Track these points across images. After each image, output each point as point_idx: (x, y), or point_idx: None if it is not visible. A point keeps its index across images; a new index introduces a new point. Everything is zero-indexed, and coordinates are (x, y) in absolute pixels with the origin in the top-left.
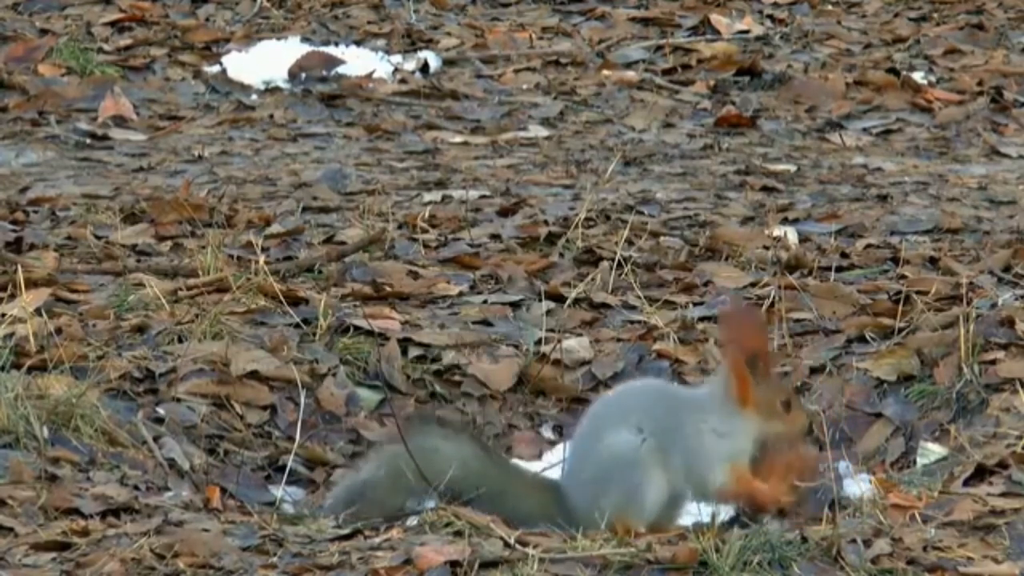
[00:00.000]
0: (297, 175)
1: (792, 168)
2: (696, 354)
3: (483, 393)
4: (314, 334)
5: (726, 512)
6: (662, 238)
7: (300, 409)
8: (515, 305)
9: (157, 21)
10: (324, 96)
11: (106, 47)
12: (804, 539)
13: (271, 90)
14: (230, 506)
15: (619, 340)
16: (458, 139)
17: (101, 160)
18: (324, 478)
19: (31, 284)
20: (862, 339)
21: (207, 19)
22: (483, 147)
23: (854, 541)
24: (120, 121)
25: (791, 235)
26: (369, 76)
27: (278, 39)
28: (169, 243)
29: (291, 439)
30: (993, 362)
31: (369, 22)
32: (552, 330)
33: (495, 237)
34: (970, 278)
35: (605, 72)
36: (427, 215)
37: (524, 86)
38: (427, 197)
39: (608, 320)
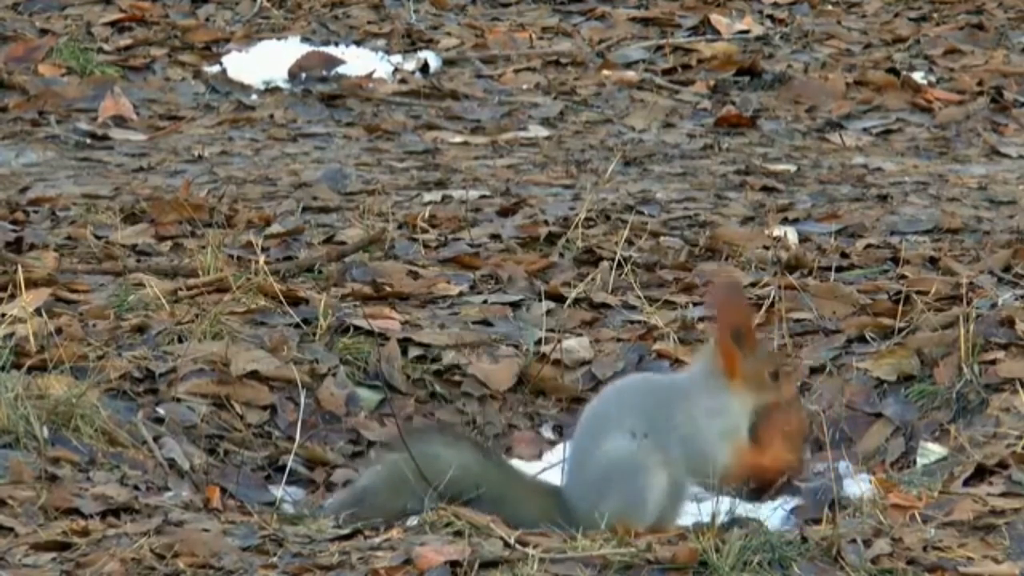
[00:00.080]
0: (297, 175)
1: (792, 168)
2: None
3: (483, 393)
4: (314, 334)
5: (726, 512)
6: (662, 238)
7: (300, 409)
8: (515, 305)
9: (157, 21)
10: (324, 96)
11: (106, 47)
12: (804, 539)
13: (271, 90)
14: (230, 506)
15: (619, 340)
16: (458, 139)
17: (101, 160)
18: (324, 478)
19: (31, 284)
20: (862, 339)
21: (207, 19)
22: (483, 147)
23: (854, 541)
24: (120, 121)
25: (791, 235)
26: (369, 76)
27: (278, 39)
28: (169, 243)
29: (291, 439)
30: (993, 362)
31: (369, 22)
32: (552, 330)
33: (495, 237)
34: (970, 278)
35: (605, 72)
36: (427, 215)
37: (524, 86)
38: (427, 197)
39: (608, 320)
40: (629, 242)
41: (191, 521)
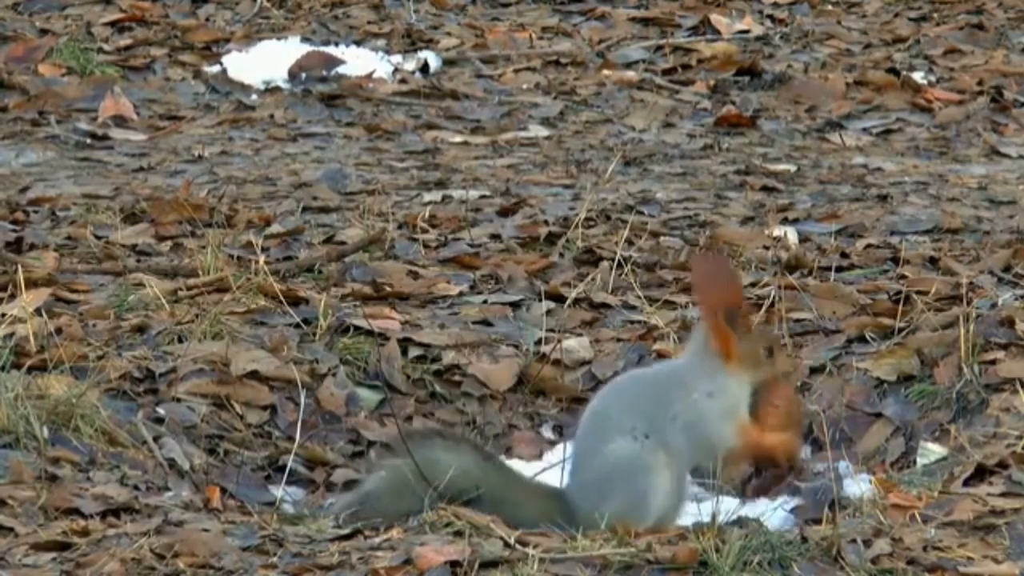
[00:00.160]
0: (297, 175)
1: (792, 168)
2: None
3: (483, 393)
4: (314, 334)
5: (727, 512)
6: (662, 238)
7: (300, 409)
8: (515, 305)
9: (157, 21)
10: (324, 96)
11: (106, 47)
12: (804, 539)
13: (271, 90)
14: (230, 506)
15: (619, 340)
16: (458, 139)
17: (101, 160)
18: (324, 478)
19: (31, 284)
20: (862, 339)
21: (207, 19)
22: (483, 147)
23: (854, 541)
24: (120, 121)
25: (791, 235)
26: (369, 76)
27: (278, 39)
28: (169, 243)
29: (291, 439)
30: (993, 362)
31: (369, 22)
32: (552, 330)
33: (495, 237)
34: (970, 278)
35: (605, 72)
36: (427, 215)
37: (524, 86)
38: (427, 197)
39: (608, 320)
40: (629, 242)
41: (191, 521)
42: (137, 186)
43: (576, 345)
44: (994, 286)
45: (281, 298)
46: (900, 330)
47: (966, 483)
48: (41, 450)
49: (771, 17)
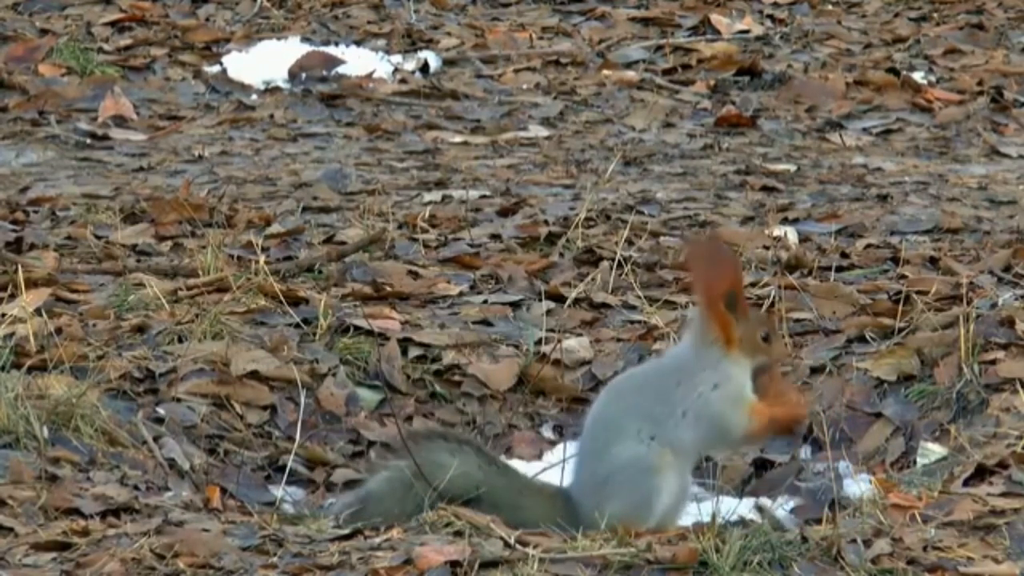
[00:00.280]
0: (297, 175)
1: (792, 168)
2: None
3: (483, 393)
4: (314, 334)
5: (728, 512)
6: (662, 238)
7: (300, 409)
8: (515, 305)
9: (157, 21)
10: (324, 96)
11: (106, 47)
12: (804, 539)
13: (271, 90)
14: (230, 506)
15: (619, 340)
16: (458, 139)
17: (101, 160)
18: (324, 478)
19: (31, 284)
20: (862, 339)
21: (207, 19)
22: (483, 147)
23: (854, 541)
24: (120, 121)
25: (791, 235)
26: (369, 76)
27: (278, 39)
28: (169, 243)
29: (291, 439)
30: (993, 362)
31: (369, 22)
32: (552, 330)
33: (495, 237)
34: (970, 278)
35: (605, 72)
36: (427, 215)
37: (524, 86)
38: (427, 197)
39: (608, 320)
40: (629, 242)
41: (191, 521)
42: (137, 186)
43: (576, 345)
44: (994, 286)
45: (281, 298)
46: (900, 330)
47: (966, 483)
48: (41, 450)
49: (771, 17)
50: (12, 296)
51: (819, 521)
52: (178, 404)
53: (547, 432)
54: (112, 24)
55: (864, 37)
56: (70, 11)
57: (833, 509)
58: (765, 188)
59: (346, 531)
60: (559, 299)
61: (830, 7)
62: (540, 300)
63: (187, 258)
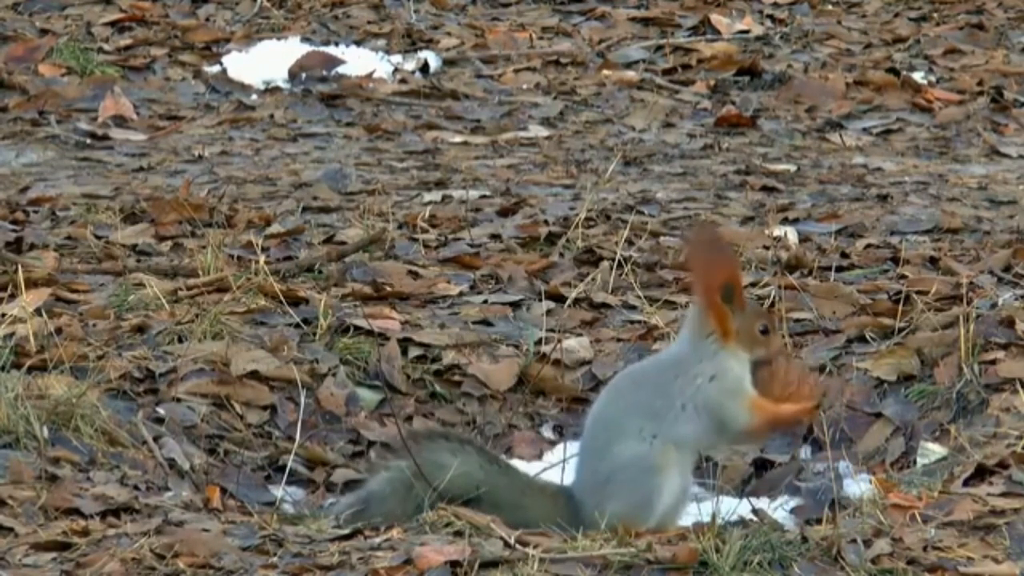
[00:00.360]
0: (297, 175)
1: (792, 168)
2: None
3: (483, 393)
4: (314, 334)
5: (728, 512)
6: (662, 238)
7: (300, 409)
8: (515, 305)
9: (157, 21)
10: (324, 96)
11: (106, 47)
12: (804, 539)
13: (271, 90)
14: (230, 506)
15: (619, 340)
16: (458, 139)
17: (101, 160)
18: (324, 478)
19: (31, 284)
20: (862, 339)
21: (207, 19)
22: (483, 147)
23: (854, 541)
24: (120, 121)
25: (791, 235)
26: (369, 76)
27: (278, 39)
28: (169, 243)
29: (291, 439)
30: (993, 362)
31: (369, 22)
32: (552, 330)
33: (495, 237)
34: (970, 278)
35: (605, 72)
36: (427, 215)
37: (524, 86)
38: (427, 197)
39: (608, 320)
40: (629, 242)
41: (191, 521)
42: (137, 186)
43: (576, 345)
44: (994, 286)
45: (281, 298)
46: (900, 330)
47: (966, 483)
48: (41, 450)
49: (771, 17)
50: (12, 296)
51: (819, 521)
52: (178, 404)
53: (547, 432)
54: (112, 24)
55: (864, 37)
56: (70, 11)
57: (833, 509)
58: (765, 188)
59: (346, 531)
60: (559, 299)
61: (830, 7)
62: (540, 300)
63: (187, 258)
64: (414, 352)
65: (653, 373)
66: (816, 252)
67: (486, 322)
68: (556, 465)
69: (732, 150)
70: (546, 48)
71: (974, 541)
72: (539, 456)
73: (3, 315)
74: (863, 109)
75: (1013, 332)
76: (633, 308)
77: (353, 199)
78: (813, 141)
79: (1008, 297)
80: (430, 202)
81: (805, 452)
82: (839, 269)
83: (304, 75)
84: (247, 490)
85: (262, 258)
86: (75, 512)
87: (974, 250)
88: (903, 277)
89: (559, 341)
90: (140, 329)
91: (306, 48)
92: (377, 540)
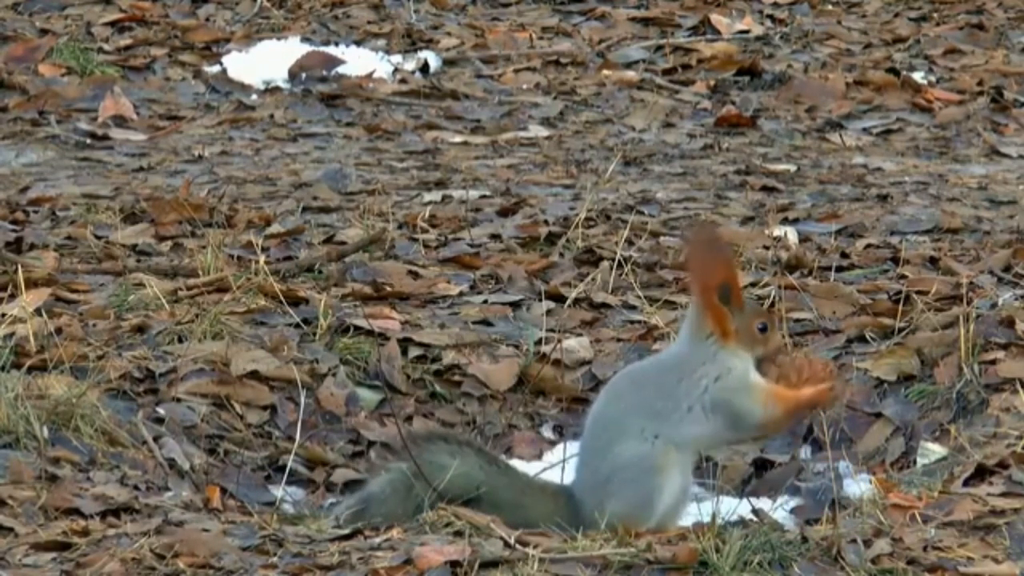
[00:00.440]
0: (297, 175)
1: (792, 168)
2: None
3: (483, 393)
4: (314, 334)
5: (728, 512)
6: (662, 238)
7: (300, 409)
8: (515, 305)
9: (157, 21)
10: (324, 96)
11: (106, 47)
12: (804, 539)
13: (271, 90)
14: (230, 506)
15: (619, 340)
16: (458, 139)
17: (101, 160)
18: (324, 478)
19: (31, 284)
20: (862, 339)
21: (207, 19)
22: (483, 147)
23: (854, 541)
24: (120, 121)
25: (791, 235)
26: (369, 76)
27: (278, 39)
28: (169, 243)
29: (291, 439)
30: (993, 362)
31: (369, 22)
32: (552, 330)
33: (495, 237)
34: (970, 278)
35: (605, 72)
36: (427, 215)
37: (524, 86)
38: (427, 197)
39: (608, 320)
40: (629, 242)
41: (191, 521)
42: (137, 186)
43: (576, 345)
44: (994, 286)
45: (281, 298)
46: (900, 330)
47: (966, 483)
48: (41, 450)
49: (771, 17)
50: (12, 296)
51: (819, 521)
52: (178, 404)
53: (547, 432)
54: (112, 24)
55: (864, 37)
56: (70, 11)
57: (833, 509)
58: (765, 188)
59: (346, 531)
60: (559, 299)
61: (830, 7)
62: (540, 300)
63: (187, 258)
64: (414, 352)
65: (654, 374)
66: (816, 252)
67: (486, 322)
68: (556, 465)
69: (732, 150)
70: (546, 48)
71: (974, 541)
72: (539, 456)
73: (3, 315)
74: (863, 109)
75: (1013, 332)
76: (633, 308)
77: (353, 199)
78: (813, 141)
79: (1008, 297)
80: (430, 202)
81: (805, 452)
82: (839, 269)
83: (304, 75)
84: (247, 490)
85: (262, 258)
86: (75, 512)
87: (974, 250)
88: (903, 277)
89: (559, 341)
90: (140, 329)
91: (306, 48)
92: (377, 540)
